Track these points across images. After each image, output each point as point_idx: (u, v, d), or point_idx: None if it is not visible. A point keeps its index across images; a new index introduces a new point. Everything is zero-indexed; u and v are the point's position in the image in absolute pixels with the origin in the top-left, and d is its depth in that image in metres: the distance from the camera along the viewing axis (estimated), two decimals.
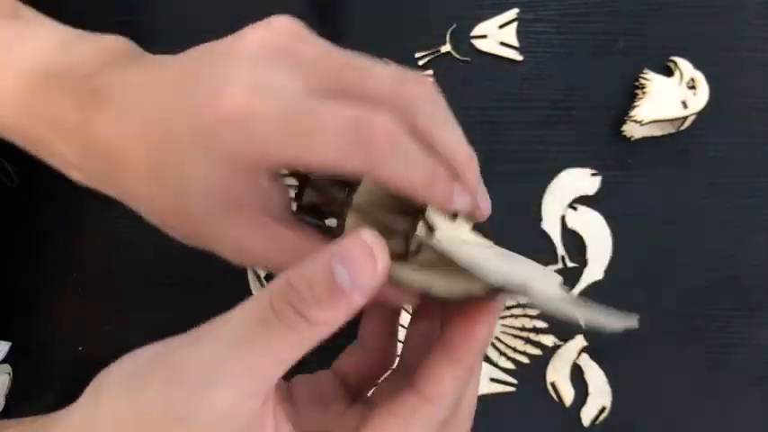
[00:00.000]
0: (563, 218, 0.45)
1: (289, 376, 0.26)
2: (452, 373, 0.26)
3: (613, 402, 0.43)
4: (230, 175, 0.26)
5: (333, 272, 0.23)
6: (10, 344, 0.43)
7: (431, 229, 0.27)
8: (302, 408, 0.28)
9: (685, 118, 0.45)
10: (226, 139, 0.25)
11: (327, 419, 0.28)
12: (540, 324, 0.44)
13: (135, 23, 0.46)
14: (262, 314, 0.23)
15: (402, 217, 0.29)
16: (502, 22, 0.47)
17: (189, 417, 0.22)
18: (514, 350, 0.44)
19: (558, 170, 0.45)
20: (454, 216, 0.29)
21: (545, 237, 0.45)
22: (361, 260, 0.23)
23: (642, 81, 0.45)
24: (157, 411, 0.22)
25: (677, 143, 0.46)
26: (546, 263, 0.45)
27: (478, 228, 0.30)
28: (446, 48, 0.46)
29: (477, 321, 0.25)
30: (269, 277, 0.44)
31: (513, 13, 0.47)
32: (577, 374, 0.44)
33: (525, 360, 0.44)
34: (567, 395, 0.43)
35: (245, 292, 0.43)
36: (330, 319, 0.23)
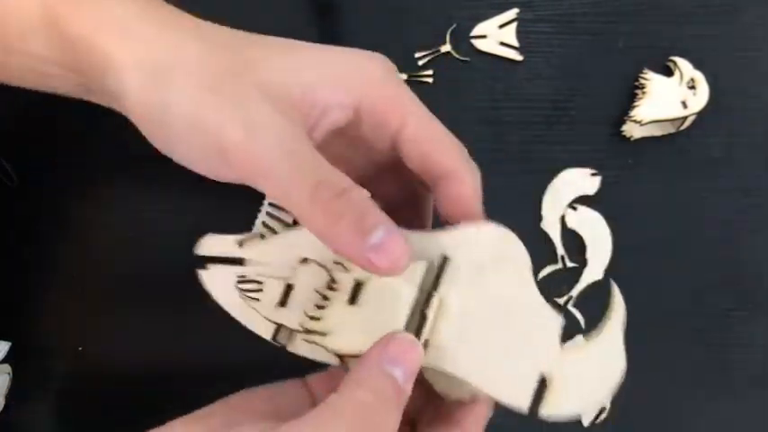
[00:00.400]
0: (563, 218, 0.45)
1: None
2: (480, 416, 0.30)
3: (613, 402, 0.43)
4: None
5: (393, 375, 0.26)
6: (10, 344, 0.43)
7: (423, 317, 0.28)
8: None
9: (685, 118, 0.45)
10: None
11: None
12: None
13: None
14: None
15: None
16: (502, 22, 0.47)
17: None
18: None
19: (558, 170, 0.45)
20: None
21: (545, 237, 0.45)
22: (409, 355, 0.26)
23: (642, 81, 0.45)
24: None
25: (677, 143, 0.46)
26: (546, 263, 0.45)
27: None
28: (446, 48, 0.46)
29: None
30: None
31: (512, 13, 0.47)
32: None
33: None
34: None
35: None
36: (399, 421, 0.26)
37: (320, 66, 0.28)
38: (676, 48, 0.46)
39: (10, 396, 0.43)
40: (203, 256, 0.31)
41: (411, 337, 0.27)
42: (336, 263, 0.29)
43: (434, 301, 0.27)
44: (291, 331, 0.29)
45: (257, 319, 0.29)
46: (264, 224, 0.35)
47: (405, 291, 0.27)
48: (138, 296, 0.45)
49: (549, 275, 0.44)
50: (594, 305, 0.44)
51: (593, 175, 0.45)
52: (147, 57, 0.27)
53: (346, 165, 0.32)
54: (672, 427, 0.44)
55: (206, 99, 0.26)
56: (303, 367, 0.30)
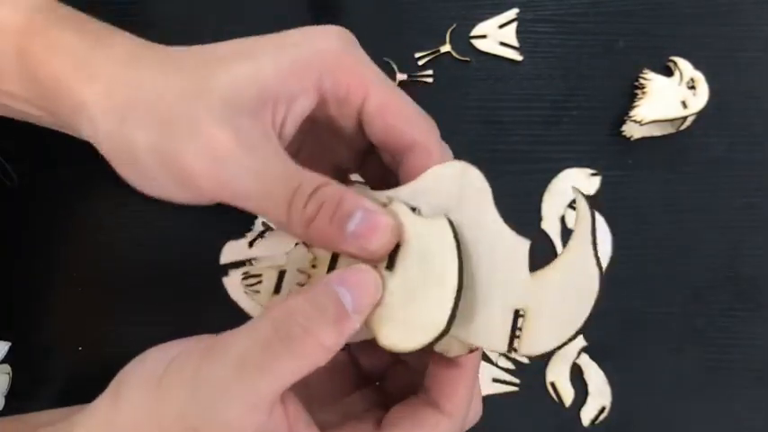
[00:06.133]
0: (563, 218, 0.45)
1: None
2: (464, 385, 0.28)
3: (613, 402, 0.43)
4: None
5: (338, 295, 0.25)
6: (10, 344, 0.43)
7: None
8: (314, 387, 0.29)
9: (685, 118, 0.45)
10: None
11: (337, 401, 0.30)
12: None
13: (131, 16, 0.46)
14: (264, 338, 0.24)
15: None
16: (502, 22, 0.47)
17: (203, 429, 0.24)
18: None
19: (558, 170, 0.45)
20: None
21: (545, 237, 0.45)
22: (364, 285, 0.25)
23: (642, 81, 0.45)
24: (176, 424, 0.24)
25: (677, 143, 0.46)
26: (546, 263, 0.45)
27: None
28: (446, 48, 0.46)
29: None
30: None
31: (512, 13, 0.47)
32: (577, 374, 0.44)
33: (525, 360, 0.44)
34: (567, 395, 0.43)
35: None
36: (334, 343, 0.25)
37: (275, 58, 0.28)
38: (676, 48, 0.46)
39: (10, 396, 0.43)
40: (227, 264, 0.31)
41: (375, 274, 0.26)
42: None
43: (400, 250, 0.26)
44: None
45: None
46: (264, 222, 0.35)
47: None
48: (139, 296, 0.45)
49: None
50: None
51: (593, 175, 0.45)
52: (111, 98, 0.28)
53: (330, 157, 0.32)
54: (672, 427, 0.44)
55: (166, 133, 0.27)
56: None
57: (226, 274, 0.31)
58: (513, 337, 0.26)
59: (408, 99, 0.29)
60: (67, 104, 0.29)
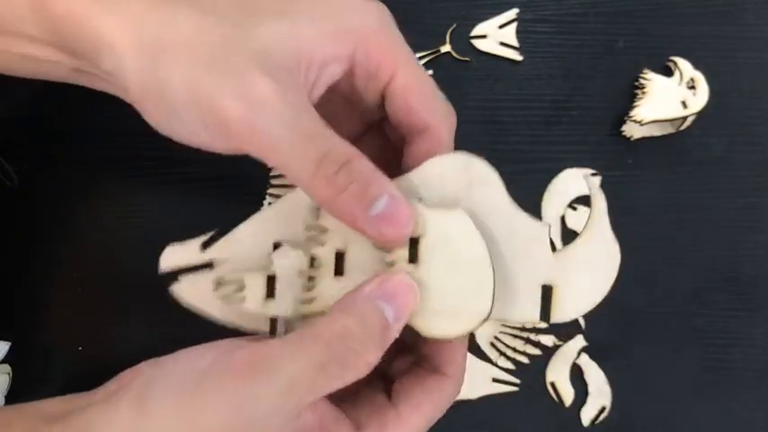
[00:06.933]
0: (563, 218, 0.45)
1: None
2: (460, 347, 0.29)
3: (613, 402, 0.43)
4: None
5: (383, 311, 0.25)
6: (10, 344, 0.43)
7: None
8: None
9: (685, 118, 0.45)
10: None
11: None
12: (540, 324, 0.44)
13: None
14: (320, 361, 0.25)
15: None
16: (502, 22, 0.47)
17: None
18: (514, 350, 0.44)
19: (558, 170, 0.45)
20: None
21: None
22: (405, 296, 0.26)
23: (642, 81, 0.45)
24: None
25: (677, 143, 0.46)
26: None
27: None
28: (446, 48, 0.46)
29: None
30: None
31: (512, 13, 0.47)
32: (577, 374, 0.44)
33: (525, 360, 0.44)
34: (567, 395, 0.43)
35: None
36: (379, 358, 0.26)
37: (316, 21, 0.28)
38: (676, 48, 0.46)
39: (10, 396, 0.43)
40: (172, 271, 0.31)
41: (409, 279, 0.26)
42: (309, 239, 0.28)
43: (421, 242, 0.27)
44: (287, 320, 0.29)
45: (247, 318, 0.29)
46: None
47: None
48: (139, 296, 0.45)
49: None
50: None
51: (593, 175, 0.45)
52: (139, 35, 0.27)
53: (336, 128, 0.32)
54: (672, 427, 0.44)
55: (203, 76, 0.26)
56: None
57: (173, 280, 0.30)
58: (544, 308, 0.27)
59: (433, 86, 0.30)
60: (88, 43, 0.27)
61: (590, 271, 0.28)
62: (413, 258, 0.27)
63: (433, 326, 0.27)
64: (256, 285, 0.29)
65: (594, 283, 0.28)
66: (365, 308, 0.26)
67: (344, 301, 0.26)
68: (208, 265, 0.30)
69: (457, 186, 0.28)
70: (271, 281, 0.28)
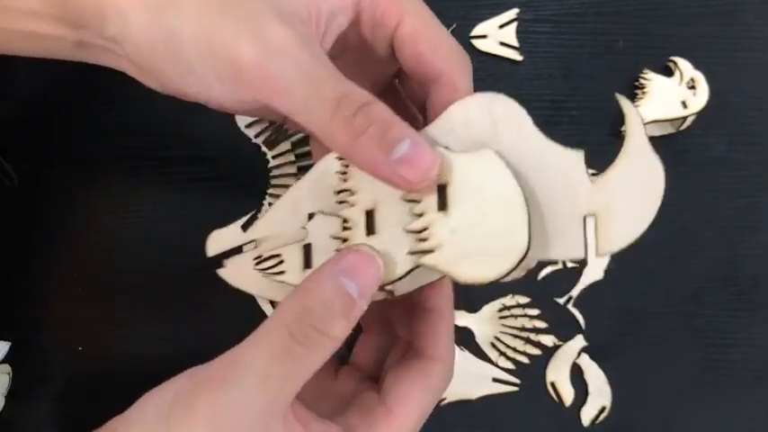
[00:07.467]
0: None
1: None
2: (445, 327, 0.29)
3: (613, 402, 0.43)
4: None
5: (344, 286, 0.25)
6: (10, 344, 0.43)
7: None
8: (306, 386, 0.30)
9: (685, 118, 0.44)
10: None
11: (320, 383, 0.30)
12: (540, 324, 0.44)
13: None
14: (283, 345, 0.24)
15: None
16: (502, 22, 0.47)
17: None
18: (514, 350, 0.44)
19: None
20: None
21: None
22: (365, 269, 0.25)
23: (642, 81, 0.45)
24: None
25: (677, 143, 0.46)
26: (546, 263, 0.45)
27: None
28: None
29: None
30: None
31: (512, 13, 0.47)
32: (577, 374, 0.44)
33: (525, 360, 0.44)
34: (567, 395, 0.43)
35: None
36: (345, 332, 0.25)
37: None
38: (676, 48, 0.46)
39: (10, 396, 0.43)
40: (217, 256, 0.31)
41: (369, 251, 0.26)
42: (340, 202, 0.28)
43: (449, 189, 0.26)
44: None
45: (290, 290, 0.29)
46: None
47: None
48: (139, 296, 0.45)
49: (548, 275, 0.44)
50: (594, 305, 0.44)
51: (593, 175, 0.45)
52: None
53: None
54: (672, 427, 0.44)
55: (216, 22, 0.26)
56: None
57: (218, 266, 0.30)
58: (587, 241, 0.25)
59: (444, 31, 0.29)
60: (91, 9, 0.27)
61: (634, 195, 0.26)
62: (443, 206, 0.26)
63: (469, 270, 0.25)
64: (294, 257, 0.28)
65: (640, 207, 0.26)
66: (324, 284, 0.25)
67: (305, 282, 0.26)
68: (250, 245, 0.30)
69: (483, 130, 0.27)
70: (307, 250, 0.28)
